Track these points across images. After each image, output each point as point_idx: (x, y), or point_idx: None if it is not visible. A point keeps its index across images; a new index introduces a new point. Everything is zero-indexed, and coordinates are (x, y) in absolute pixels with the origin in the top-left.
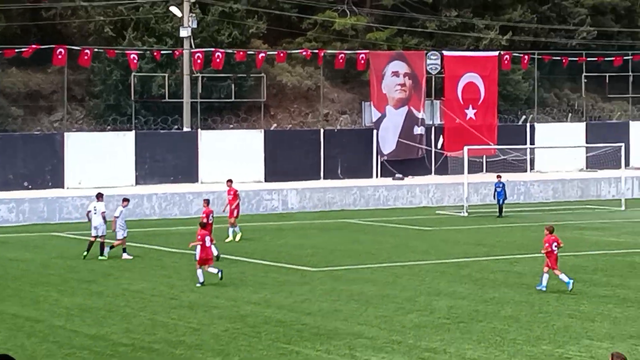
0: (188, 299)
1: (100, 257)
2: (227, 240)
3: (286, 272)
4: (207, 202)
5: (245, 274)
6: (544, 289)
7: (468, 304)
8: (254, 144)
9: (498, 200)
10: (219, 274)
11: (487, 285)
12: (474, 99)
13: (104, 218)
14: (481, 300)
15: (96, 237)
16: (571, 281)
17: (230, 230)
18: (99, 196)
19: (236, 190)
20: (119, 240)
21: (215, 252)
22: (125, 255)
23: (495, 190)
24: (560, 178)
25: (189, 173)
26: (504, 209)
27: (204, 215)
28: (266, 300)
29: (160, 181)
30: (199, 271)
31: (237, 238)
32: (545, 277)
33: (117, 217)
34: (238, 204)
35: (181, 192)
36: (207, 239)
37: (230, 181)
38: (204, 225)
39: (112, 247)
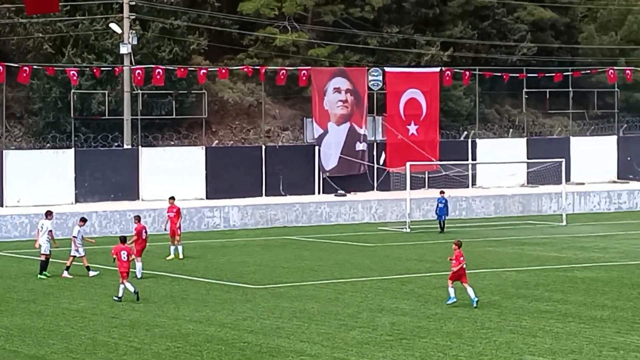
0: (129, 317)
1: (39, 276)
2: (168, 257)
3: (228, 290)
4: (138, 218)
5: (187, 291)
6: (454, 300)
7: (411, 320)
8: (195, 160)
9: (439, 217)
10: (135, 295)
11: (429, 301)
12: (415, 115)
13: (51, 236)
14: (424, 316)
15: (45, 254)
16: (476, 299)
17: (172, 248)
18: (48, 214)
19: (179, 208)
20: (81, 256)
21: (138, 269)
22: (65, 274)
23: (438, 205)
24: (501, 194)
25: (130, 190)
26: (445, 225)
27: (136, 232)
28: (208, 319)
29: (100, 199)
30: (121, 286)
31: (181, 255)
32: (451, 290)
33: (76, 237)
34: (180, 221)
35: (122, 210)
36: (124, 253)
37: (172, 198)
38: (123, 240)
39: (67, 267)
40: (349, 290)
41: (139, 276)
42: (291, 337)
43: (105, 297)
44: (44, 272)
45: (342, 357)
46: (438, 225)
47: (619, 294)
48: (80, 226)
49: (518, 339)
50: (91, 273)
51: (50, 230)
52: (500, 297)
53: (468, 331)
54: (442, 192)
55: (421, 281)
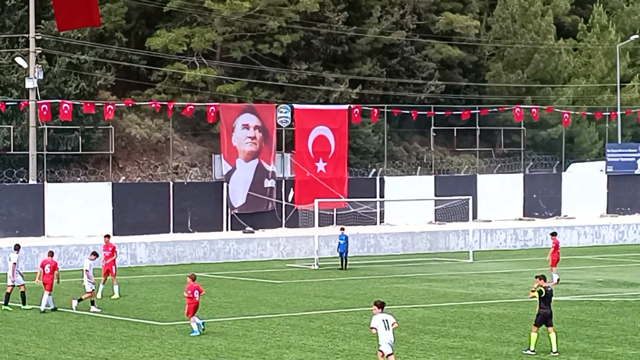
0: (34, 354)
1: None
2: (113, 297)
3: (135, 327)
4: (51, 253)
5: (93, 328)
6: (197, 333)
7: (319, 357)
8: (102, 197)
9: (341, 254)
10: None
11: (337, 337)
12: (324, 152)
13: (14, 269)
14: (332, 352)
15: (12, 286)
16: (201, 324)
17: (101, 287)
18: (17, 247)
19: (114, 246)
20: (87, 293)
21: (43, 302)
22: (93, 309)
23: (339, 242)
24: (409, 231)
25: (35, 226)
26: (348, 261)
27: (41, 265)
28: (114, 356)
29: (5, 235)
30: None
31: (116, 295)
32: (194, 324)
33: (88, 271)
34: (114, 260)
35: (27, 246)
36: (47, 267)
37: (107, 236)
38: (51, 254)
39: (80, 299)
40: (256, 327)
41: (42, 309)
42: None
43: (9, 334)
44: (8, 304)
45: None
46: (340, 263)
47: (525, 330)
48: (92, 260)
49: None
50: (93, 309)
51: (14, 263)
52: (407, 333)
53: None
54: (342, 229)
55: (329, 317)
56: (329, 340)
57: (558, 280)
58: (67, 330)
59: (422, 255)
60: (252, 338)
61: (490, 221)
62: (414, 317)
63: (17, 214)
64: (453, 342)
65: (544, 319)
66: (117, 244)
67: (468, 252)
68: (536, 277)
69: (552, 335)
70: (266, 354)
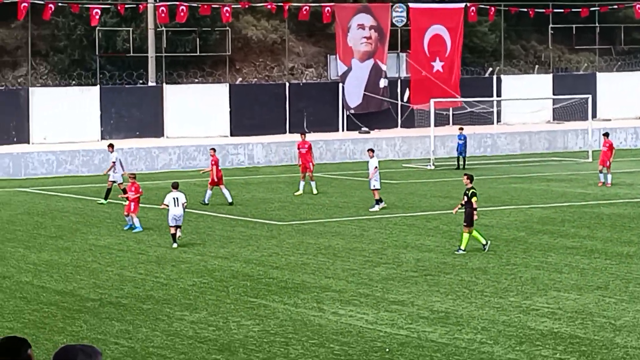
0: (155, 254)
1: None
2: (297, 193)
3: (253, 226)
4: (213, 150)
5: (212, 228)
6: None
7: (436, 257)
8: (219, 98)
9: (459, 153)
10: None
11: (454, 237)
12: (440, 51)
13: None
14: (449, 252)
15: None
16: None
17: (301, 183)
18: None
19: (310, 144)
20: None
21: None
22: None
23: (458, 142)
24: (527, 130)
25: (155, 128)
26: (466, 162)
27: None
28: (233, 255)
29: (125, 136)
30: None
31: (314, 191)
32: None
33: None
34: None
35: (147, 147)
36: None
37: (303, 134)
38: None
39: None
40: (373, 226)
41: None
42: (316, 273)
43: (131, 234)
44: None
45: (367, 292)
46: (456, 162)
47: None
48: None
49: (544, 275)
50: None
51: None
52: (526, 233)
53: (493, 267)
54: (461, 129)
55: (446, 218)
56: (446, 240)
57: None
58: (187, 230)
59: (540, 154)
60: (369, 238)
61: (609, 120)
62: (532, 217)
63: (136, 116)
64: (572, 242)
65: None
66: (234, 144)
67: (587, 151)
68: None
69: None
70: (383, 254)
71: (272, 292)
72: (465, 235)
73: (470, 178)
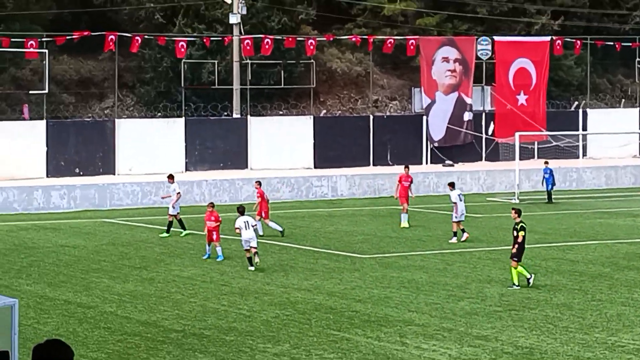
0: (239, 285)
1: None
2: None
3: (336, 259)
4: (259, 183)
5: (295, 260)
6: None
7: (520, 292)
8: (303, 130)
9: (547, 187)
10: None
11: (539, 272)
12: (525, 84)
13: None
14: (533, 287)
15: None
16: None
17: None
18: (242, 211)
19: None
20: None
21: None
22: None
23: (544, 176)
24: (613, 165)
25: (239, 159)
26: (552, 195)
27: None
28: (317, 287)
29: (210, 167)
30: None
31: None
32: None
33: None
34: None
35: (231, 179)
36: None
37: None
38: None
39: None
40: (457, 260)
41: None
42: (399, 307)
43: (214, 265)
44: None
45: (451, 327)
46: (546, 196)
47: None
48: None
49: (629, 311)
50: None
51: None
52: (611, 269)
53: (578, 303)
54: (546, 163)
55: (530, 252)
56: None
57: None
58: (270, 262)
59: (626, 189)
60: (452, 272)
61: None
62: (618, 253)
63: (221, 147)
64: None
65: None
66: (317, 176)
67: None
68: None
69: None
70: (467, 288)
71: (355, 325)
72: (515, 270)
73: (519, 212)
